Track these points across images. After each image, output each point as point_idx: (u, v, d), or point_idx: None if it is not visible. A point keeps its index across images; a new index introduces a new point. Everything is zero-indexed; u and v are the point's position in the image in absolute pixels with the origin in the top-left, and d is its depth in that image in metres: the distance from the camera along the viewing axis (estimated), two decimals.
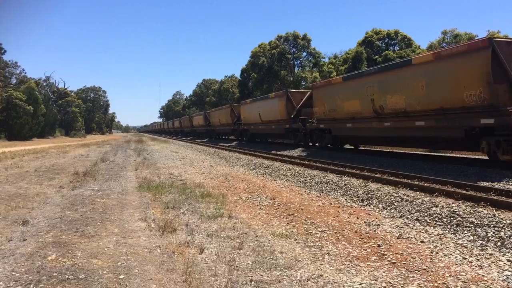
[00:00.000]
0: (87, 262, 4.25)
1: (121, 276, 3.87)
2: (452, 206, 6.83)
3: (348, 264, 4.46)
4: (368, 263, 4.51)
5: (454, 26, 76.21)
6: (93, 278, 3.81)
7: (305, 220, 6.47)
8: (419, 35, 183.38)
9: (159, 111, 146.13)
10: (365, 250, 4.98)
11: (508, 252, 4.80)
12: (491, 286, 3.83)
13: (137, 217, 6.47)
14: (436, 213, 6.62)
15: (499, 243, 5.12)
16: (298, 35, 49.38)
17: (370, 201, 8.02)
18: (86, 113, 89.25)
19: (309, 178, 11.12)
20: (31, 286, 3.61)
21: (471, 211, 6.46)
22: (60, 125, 70.00)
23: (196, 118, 55.93)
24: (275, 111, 25.36)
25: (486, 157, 12.39)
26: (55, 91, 74.03)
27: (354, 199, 8.39)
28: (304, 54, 50.59)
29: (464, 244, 5.23)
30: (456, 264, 4.46)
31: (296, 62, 50.91)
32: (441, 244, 5.20)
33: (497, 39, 10.93)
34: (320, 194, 9.01)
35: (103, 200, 7.82)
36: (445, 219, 6.29)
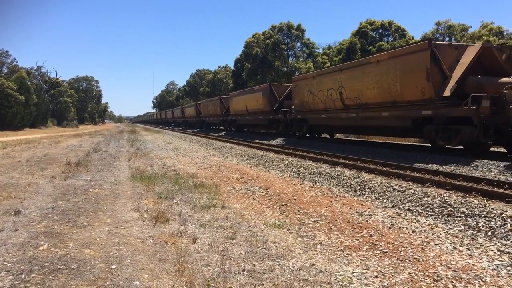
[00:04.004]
0: (79, 252, 4.24)
1: (113, 266, 3.87)
2: (444, 196, 6.88)
3: (340, 254, 4.49)
4: (360, 252, 4.54)
5: (448, 17, 76.22)
6: (85, 268, 3.80)
7: (298, 210, 6.50)
8: (413, 26, 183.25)
9: (153, 102, 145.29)
10: (357, 239, 5.01)
11: (498, 242, 4.86)
12: (481, 275, 3.87)
13: (129, 207, 6.45)
14: (428, 203, 6.67)
15: (489, 233, 5.18)
16: (292, 26, 49.12)
17: (362, 192, 8.06)
18: (78, 103, 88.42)
19: (302, 168, 11.14)
20: (23, 275, 3.59)
21: (462, 201, 6.51)
22: (52, 115, 69.27)
23: (236, 100, 32.76)
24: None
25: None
26: (47, 81, 73.26)
27: (347, 189, 8.43)
28: (298, 44, 50.43)
29: (455, 233, 5.28)
30: (447, 253, 4.50)
31: (290, 53, 50.74)
32: (432, 234, 5.25)
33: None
34: (313, 185, 9.04)
35: (96, 191, 7.78)
36: (436, 209, 6.34)
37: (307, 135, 22.28)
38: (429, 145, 13.98)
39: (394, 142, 18.90)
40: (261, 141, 21.62)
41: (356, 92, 15.77)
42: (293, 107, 22.58)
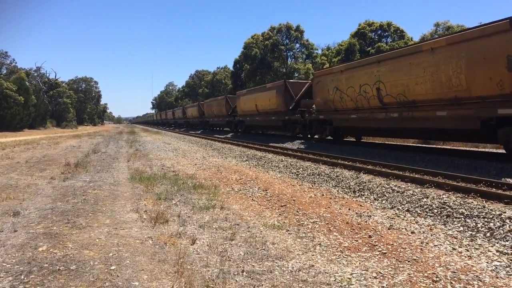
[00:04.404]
0: (79, 253, 4.24)
1: (113, 267, 3.87)
2: (443, 197, 6.89)
3: (339, 255, 4.49)
4: (359, 253, 4.55)
5: (446, 18, 76.39)
6: (85, 269, 3.79)
7: (297, 211, 6.50)
8: (411, 27, 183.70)
9: (152, 102, 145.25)
10: (356, 240, 5.01)
11: (497, 243, 4.87)
12: (480, 276, 3.88)
13: (129, 208, 6.45)
14: (427, 204, 6.68)
15: (488, 234, 5.19)
16: (291, 26, 49.14)
17: (361, 193, 8.07)
18: (77, 104, 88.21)
19: (301, 169, 11.15)
20: (22, 276, 3.59)
21: (461, 202, 6.52)
22: (52, 116, 69.14)
23: (244, 99, 31.44)
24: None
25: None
26: (46, 82, 73.12)
27: (346, 190, 8.43)
28: (297, 45, 50.47)
29: (454, 234, 5.29)
30: (446, 254, 4.51)
31: (289, 54, 50.77)
32: (431, 235, 5.26)
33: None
34: (312, 186, 9.04)
35: (95, 191, 7.78)
36: (435, 210, 6.35)
37: (329, 137, 19.89)
38: (428, 145, 13.89)
39: (393, 143, 18.91)
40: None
41: (400, 87, 13.21)
42: (313, 106, 20.07)
